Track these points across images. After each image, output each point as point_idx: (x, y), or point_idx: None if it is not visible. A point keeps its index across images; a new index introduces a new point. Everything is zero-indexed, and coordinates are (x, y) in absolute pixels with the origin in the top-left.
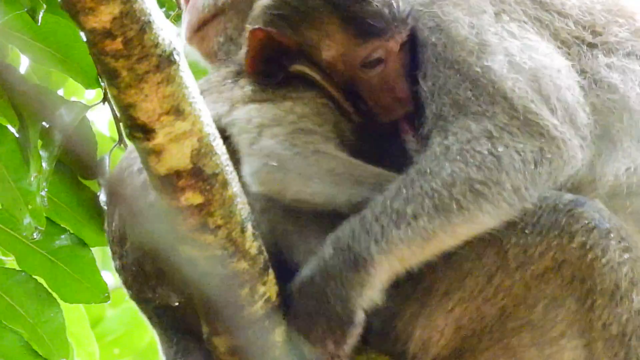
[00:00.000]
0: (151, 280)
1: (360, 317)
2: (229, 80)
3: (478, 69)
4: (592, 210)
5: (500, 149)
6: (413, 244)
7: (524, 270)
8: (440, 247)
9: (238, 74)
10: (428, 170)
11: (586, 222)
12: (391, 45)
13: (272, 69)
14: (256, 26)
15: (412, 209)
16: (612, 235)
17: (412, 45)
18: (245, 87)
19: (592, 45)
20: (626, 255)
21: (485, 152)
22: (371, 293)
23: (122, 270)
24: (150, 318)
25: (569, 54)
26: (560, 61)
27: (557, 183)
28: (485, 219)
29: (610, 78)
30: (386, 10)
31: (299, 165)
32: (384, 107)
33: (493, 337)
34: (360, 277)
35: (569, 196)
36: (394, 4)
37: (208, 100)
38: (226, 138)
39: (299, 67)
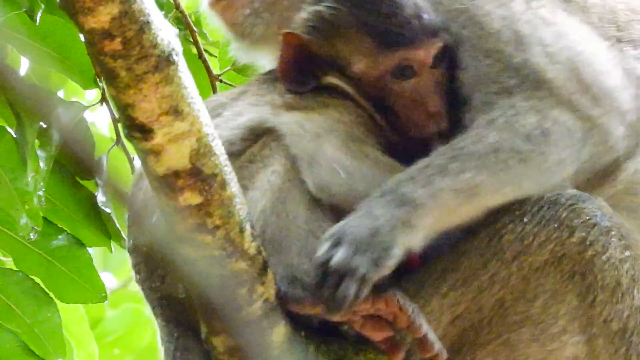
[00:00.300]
0: (160, 268)
1: (399, 252)
2: (266, 85)
3: (518, 60)
4: (594, 207)
5: (549, 124)
6: (459, 194)
7: (521, 261)
8: (485, 202)
9: (275, 80)
10: (471, 137)
11: (587, 218)
12: (421, 55)
13: (305, 77)
14: (289, 30)
15: (457, 165)
16: (613, 232)
17: (450, 62)
18: (284, 94)
19: (618, 39)
20: (627, 253)
21: (534, 124)
22: (414, 235)
23: (134, 251)
24: (153, 308)
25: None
26: (596, 43)
27: (595, 167)
28: (528, 184)
29: (639, 70)
30: (414, 20)
31: (361, 173)
32: (416, 122)
33: (492, 331)
34: (406, 215)
35: (572, 191)
36: (423, 14)
37: (244, 102)
38: (232, 143)
39: (332, 80)
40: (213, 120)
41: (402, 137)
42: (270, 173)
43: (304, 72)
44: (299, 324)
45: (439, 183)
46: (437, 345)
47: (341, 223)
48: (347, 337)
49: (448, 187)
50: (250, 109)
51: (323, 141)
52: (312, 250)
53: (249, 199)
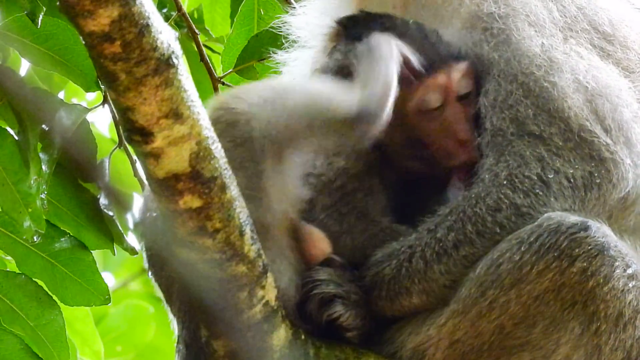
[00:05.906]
0: None
1: None
2: None
3: (544, 84)
4: (598, 236)
5: (550, 175)
6: (453, 273)
7: (520, 289)
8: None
9: None
10: (473, 196)
11: (589, 247)
12: (443, 80)
13: None
14: None
15: (453, 237)
16: (617, 263)
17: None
18: None
19: None
20: (631, 284)
21: (535, 178)
22: None
23: None
24: None
25: (631, 80)
26: (624, 82)
27: (607, 206)
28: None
29: None
30: (426, 48)
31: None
32: (446, 151)
33: (492, 354)
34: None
35: (573, 219)
36: (433, 40)
37: None
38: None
39: None
40: None
41: (427, 167)
42: None
43: None
44: (300, 328)
45: (434, 270)
46: None
47: None
48: (348, 341)
49: (442, 272)
50: None
51: None
52: None
53: None
